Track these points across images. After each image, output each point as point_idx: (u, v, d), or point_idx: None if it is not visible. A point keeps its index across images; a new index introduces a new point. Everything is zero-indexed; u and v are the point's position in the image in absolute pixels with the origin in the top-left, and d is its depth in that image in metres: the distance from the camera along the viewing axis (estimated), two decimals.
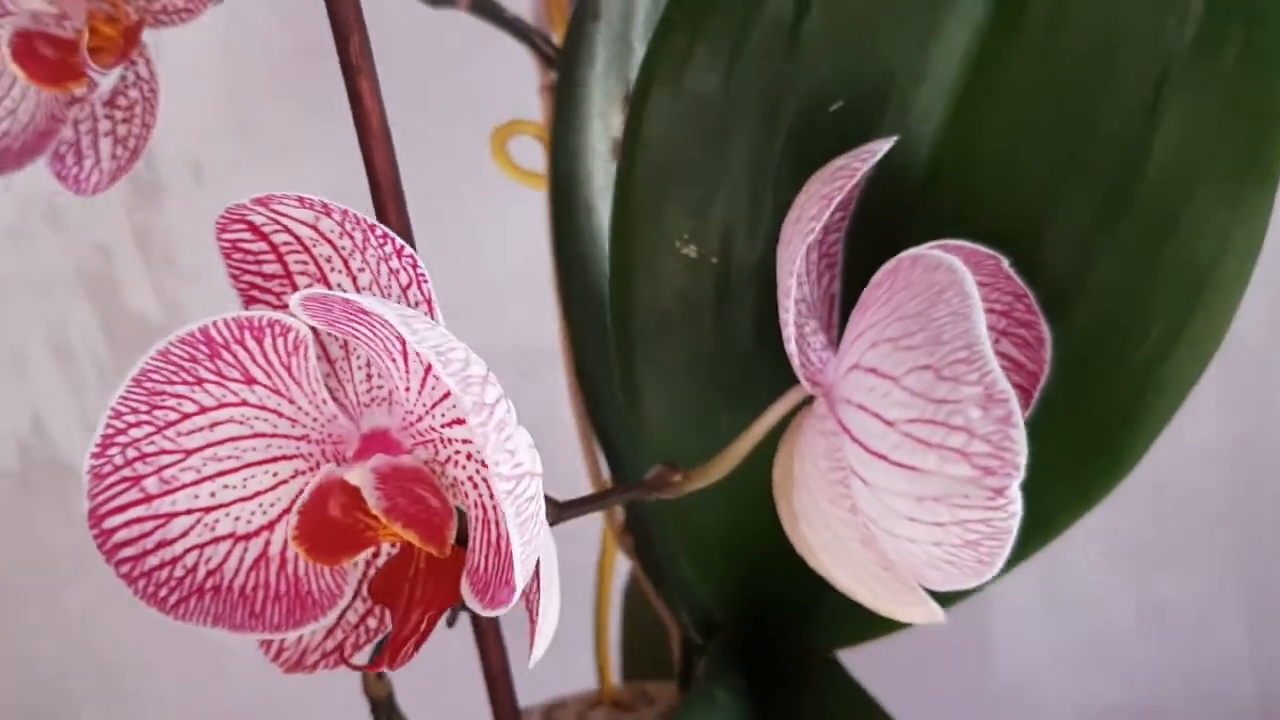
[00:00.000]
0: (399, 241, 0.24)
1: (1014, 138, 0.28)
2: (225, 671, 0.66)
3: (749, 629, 0.37)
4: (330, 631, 0.28)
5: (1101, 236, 0.28)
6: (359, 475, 0.25)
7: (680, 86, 0.29)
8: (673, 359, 0.32)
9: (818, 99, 0.29)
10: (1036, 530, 0.31)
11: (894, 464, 0.25)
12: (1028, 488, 0.31)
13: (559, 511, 0.30)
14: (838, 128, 0.29)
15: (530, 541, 0.22)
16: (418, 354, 0.22)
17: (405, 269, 0.25)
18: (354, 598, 0.28)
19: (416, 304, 0.25)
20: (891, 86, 0.28)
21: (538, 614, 0.24)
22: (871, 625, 0.35)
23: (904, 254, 0.27)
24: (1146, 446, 0.29)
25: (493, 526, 0.23)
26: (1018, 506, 0.24)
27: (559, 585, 0.25)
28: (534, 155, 0.44)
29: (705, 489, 0.30)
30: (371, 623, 0.28)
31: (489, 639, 0.32)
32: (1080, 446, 0.30)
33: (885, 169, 0.29)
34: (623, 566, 0.49)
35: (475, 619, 0.33)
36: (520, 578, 0.22)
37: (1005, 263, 0.28)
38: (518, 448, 0.22)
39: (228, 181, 0.65)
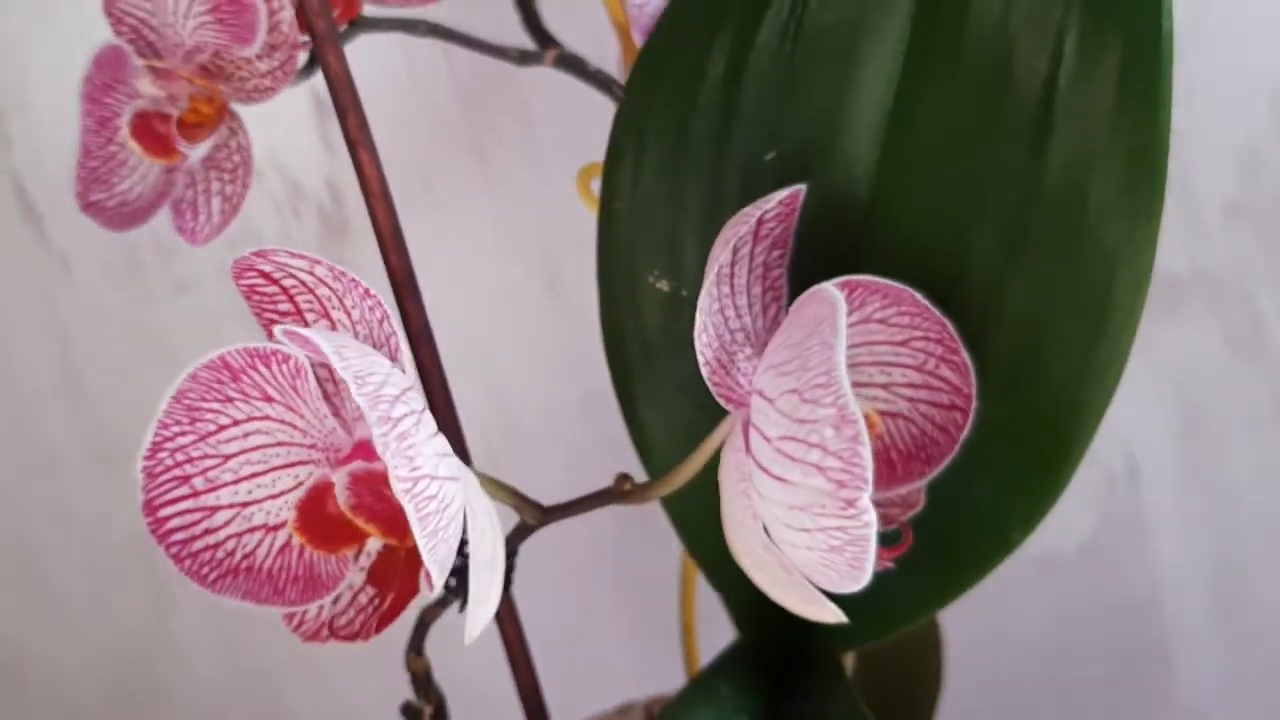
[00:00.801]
0: (366, 286, 0.30)
1: (930, 178, 0.31)
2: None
3: (760, 630, 0.40)
4: (344, 609, 0.34)
5: (1008, 268, 0.30)
6: (338, 477, 0.30)
7: (643, 139, 0.33)
8: (660, 384, 0.36)
9: (755, 151, 0.32)
10: (996, 548, 0.34)
11: (771, 476, 0.28)
12: (982, 507, 0.33)
13: (544, 515, 0.34)
14: (775, 175, 0.32)
15: (437, 534, 0.27)
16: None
17: (376, 307, 0.30)
18: (364, 583, 0.33)
19: (389, 335, 0.30)
20: (817, 138, 0.32)
21: (471, 600, 0.29)
22: (874, 628, 0.38)
23: (811, 289, 0.30)
24: (1078, 459, 0.31)
25: None
26: (870, 517, 0.27)
27: (499, 576, 0.30)
28: None
29: (696, 498, 0.34)
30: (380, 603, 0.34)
31: (508, 623, 0.37)
32: (1021, 465, 0.32)
33: (826, 211, 0.33)
34: None
35: (502, 630, 0.38)
36: (432, 565, 0.27)
37: (918, 295, 0.31)
38: (418, 455, 0.26)
39: (407, 223, 0.72)
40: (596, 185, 0.51)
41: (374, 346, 0.31)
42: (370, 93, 0.72)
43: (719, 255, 0.30)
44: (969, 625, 0.79)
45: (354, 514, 0.29)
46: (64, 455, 0.73)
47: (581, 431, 0.73)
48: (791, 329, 0.29)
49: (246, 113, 0.80)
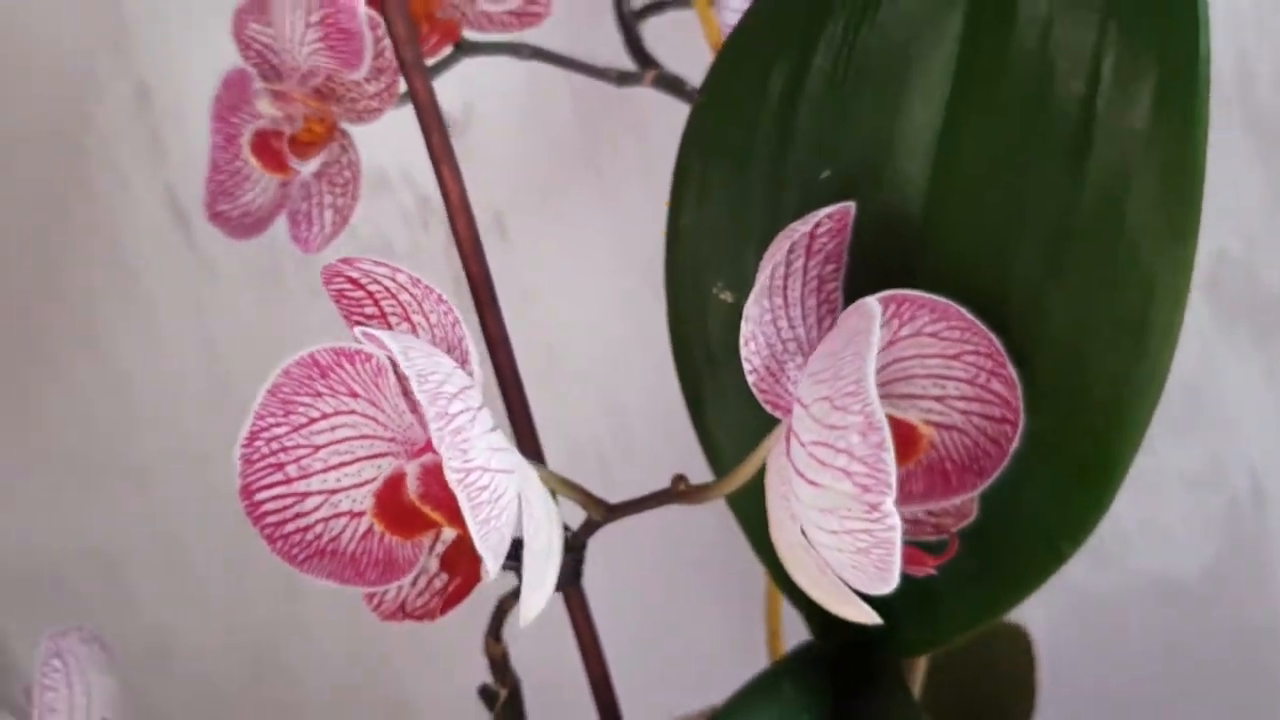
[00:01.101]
0: (439, 293, 0.32)
1: (977, 198, 0.32)
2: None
3: (825, 633, 0.41)
4: (421, 592, 0.36)
5: (1049, 285, 0.31)
6: (410, 468, 0.33)
7: (708, 159, 0.35)
8: (724, 391, 0.38)
9: (811, 172, 0.33)
10: (1046, 559, 0.34)
11: (805, 480, 0.29)
12: (1031, 519, 0.34)
13: (608, 512, 0.36)
14: (832, 192, 0.33)
15: (489, 522, 0.29)
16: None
17: (449, 312, 0.33)
18: (439, 568, 0.36)
19: (460, 340, 0.33)
20: (869, 159, 0.33)
21: (525, 587, 0.31)
22: (933, 636, 0.38)
23: (857, 302, 0.31)
24: (1121, 475, 0.32)
25: None
26: (893, 521, 0.28)
27: (555, 567, 0.32)
28: None
29: (759, 502, 0.36)
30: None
31: (579, 617, 0.39)
32: (1066, 479, 0.33)
33: (881, 229, 0.34)
34: None
35: (574, 621, 0.40)
36: (484, 551, 0.29)
37: (964, 310, 0.32)
38: (472, 448, 0.29)
39: (528, 236, 0.76)
40: None
41: (447, 349, 0.33)
42: (491, 110, 0.75)
43: (765, 268, 0.31)
44: (1081, 646, 0.79)
45: (422, 502, 0.32)
46: (209, 450, 0.78)
47: (692, 437, 0.75)
48: (833, 339, 0.31)
49: (380, 128, 0.84)
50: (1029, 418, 0.32)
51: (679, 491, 0.34)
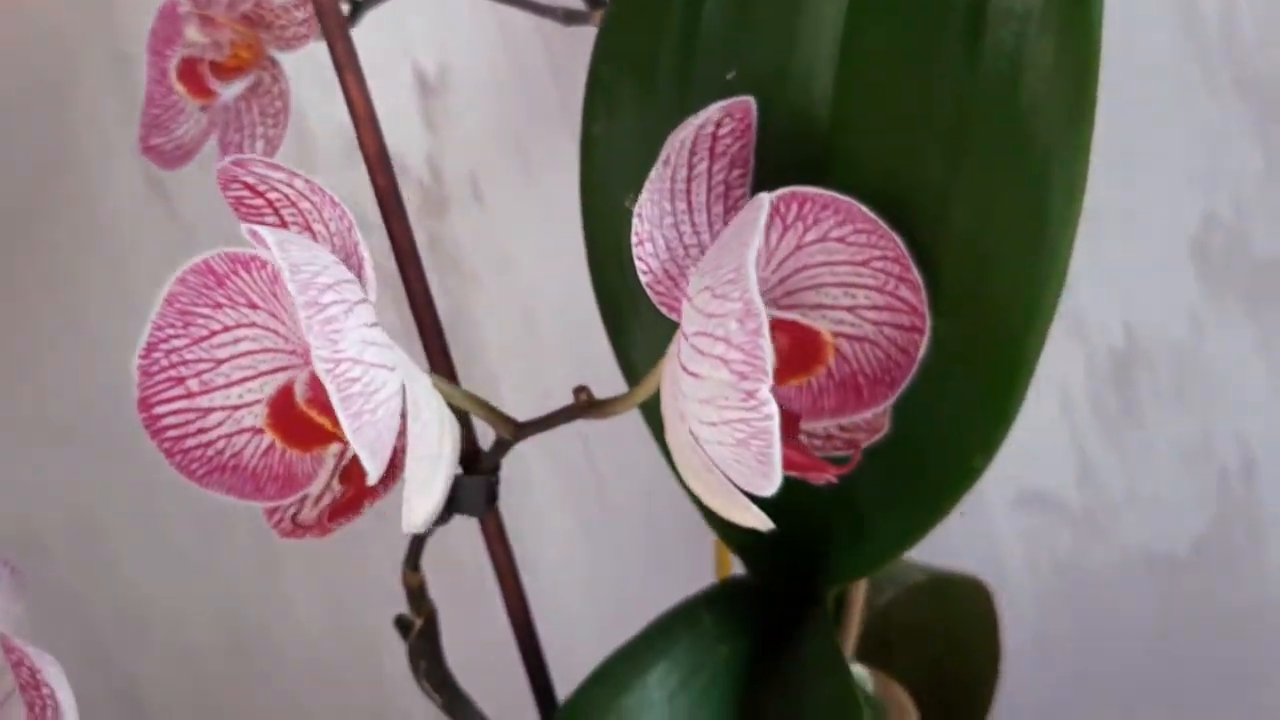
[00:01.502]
0: (335, 198, 0.32)
1: (882, 94, 0.31)
2: None
3: (753, 565, 0.40)
4: (321, 511, 0.35)
5: (952, 180, 0.30)
6: (300, 374, 0.32)
7: (620, 71, 0.34)
8: (639, 305, 0.37)
9: (716, 74, 0.33)
10: (960, 475, 0.33)
11: (688, 373, 0.28)
12: (943, 433, 0.33)
13: (517, 430, 0.35)
14: (738, 95, 0.32)
15: (360, 415, 0.28)
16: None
17: (344, 218, 0.32)
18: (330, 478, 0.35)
19: (356, 245, 0.32)
20: (772, 58, 0.32)
21: (407, 490, 0.30)
22: (856, 563, 0.37)
23: (753, 197, 0.30)
24: (1025, 380, 0.30)
25: None
26: (770, 410, 0.27)
27: (442, 474, 0.31)
28: None
29: None
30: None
31: (495, 544, 0.38)
32: (975, 387, 0.32)
33: (788, 132, 0.33)
34: None
35: (491, 551, 0.39)
36: (361, 449, 0.28)
37: (867, 210, 0.31)
38: (343, 339, 0.28)
39: (502, 197, 0.75)
40: None
41: (345, 258, 0.33)
42: (467, 73, 0.75)
43: (660, 165, 0.30)
44: (1070, 619, 0.77)
45: (309, 407, 0.31)
46: None
47: None
48: (723, 235, 0.30)
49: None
50: (936, 323, 0.31)
51: (583, 404, 0.33)
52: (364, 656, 0.80)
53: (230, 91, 0.42)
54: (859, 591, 0.42)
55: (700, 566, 0.72)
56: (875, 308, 0.33)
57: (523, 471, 0.74)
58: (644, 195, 0.30)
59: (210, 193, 0.75)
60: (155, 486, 0.80)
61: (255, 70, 0.42)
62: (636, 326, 0.37)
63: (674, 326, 0.36)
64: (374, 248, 0.78)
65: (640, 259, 0.31)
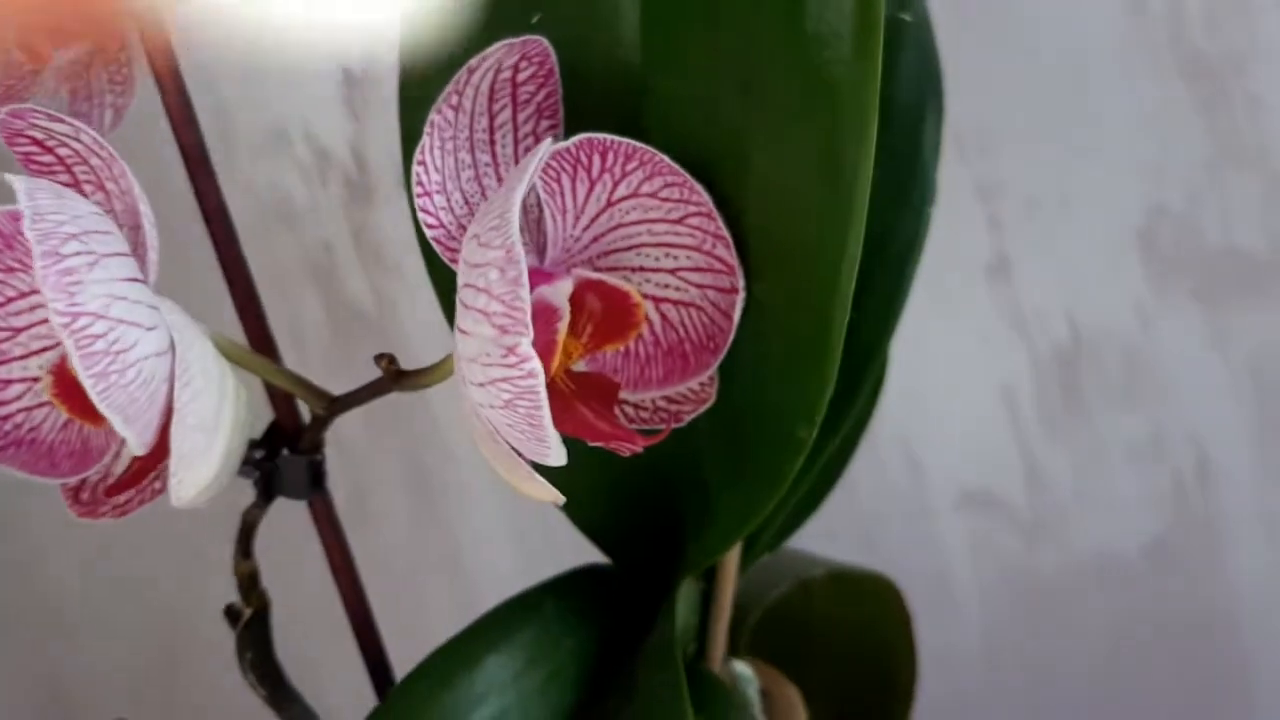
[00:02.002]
0: (119, 162, 0.30)
1: (682, 38, 0.29)
2: None
3: (605, 549, 0.38)
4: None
5: (749, 124, 0.28)
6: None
7: (422, 49, 0.32)
8: None
9: (524, 16, 0.31)
10: (785, 447, 0.31)
11: (458, 330, 0.26)
12: (766, 402, 0.31)
13: (330, 405, 0.33)
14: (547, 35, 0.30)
15: (106, 374, 0.26)
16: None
17: (125, 177, 0.30)
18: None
19: (136, 205, 0.30)
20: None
21: (172, 459, 0.28)
22: (705, 546, 0.35)
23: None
24: (838, 337, 0.28)
25: None
26: (532, 366, 0.25)
27: (217, 446, 0.29)
28: None
29: None
30: (158, 486, 0.33)
31: (326, 529, 0.36)
32: (791, 350, 0.30)
33: (599, 77, 0.31)
34: None
35: (322, 537, 0.37)
36: (108, 411, 0.26)
37: (671, 162, 0.28)
38: (83, 292, 0.26)
39: None
40: None
41: (132, 226, 0.30)
42: (393, 52, 0.73)
43: (444, 109, 0.28)
44: (1020, 625, 0.74)
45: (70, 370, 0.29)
46: None
47: None
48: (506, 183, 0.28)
49: (277, 83, 0.82)
50: (751, 283, 0.29)
51: (391, 374, 0.31)
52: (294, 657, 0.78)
53: (66, 56, 0.40)
54: (727, 581, 0.40)
55: None
56: (697, 269, 0.30)
57: (456, 473, 0.72)
58: (427, 141, 0.28)
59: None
60: None
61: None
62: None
63: None
64: (308, 239, 0.75)
65: (426, 211, 0.28)
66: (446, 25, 0.31)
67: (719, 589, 0.40)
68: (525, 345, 0.24)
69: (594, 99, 0.31)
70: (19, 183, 0.27)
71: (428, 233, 0.28)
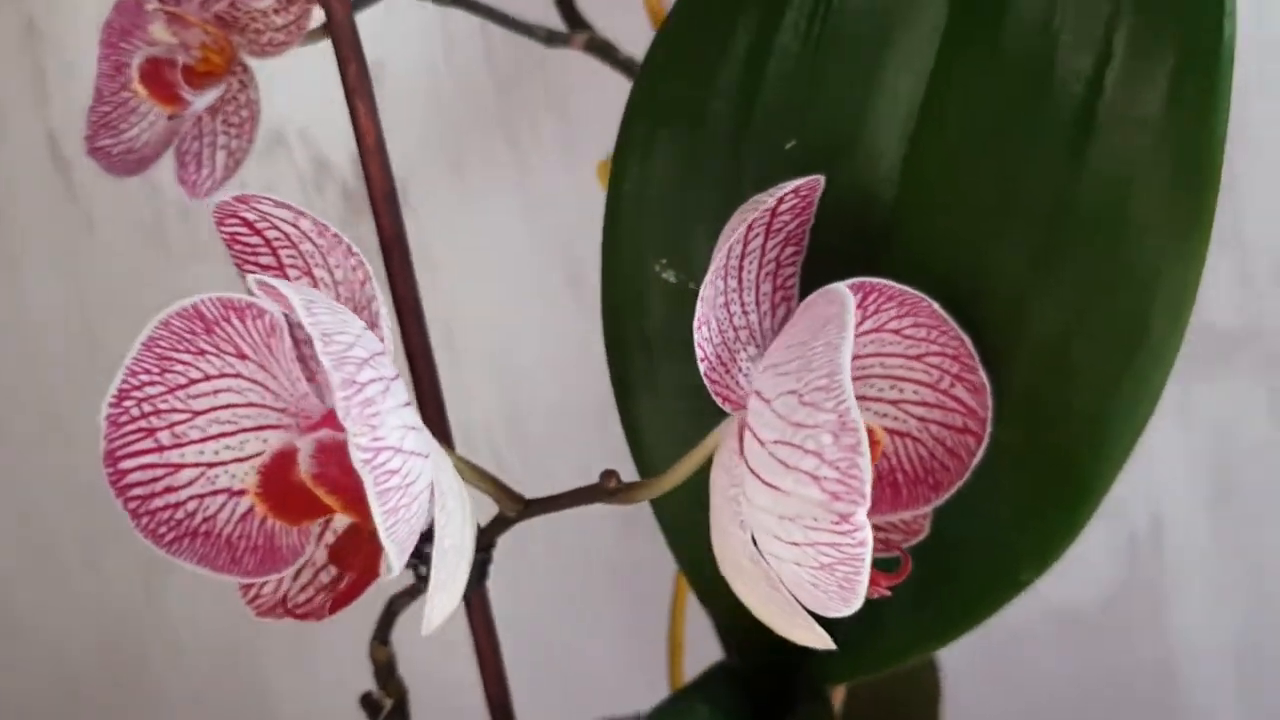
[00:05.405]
0: (349, 244, 0.28)
1: (958, 181, 0.29)
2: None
3: (748, 653, 0.38)
4: (304, 587, 0.32)
5: (1036, 283, 0.28)
6: (304, 444, 0.28)
7: (657, 122, 0.31)
8: (660, 380, 0.34)
9: (775, 140, 0.30)
10: (1003, 587, 0.31)
11: (763, 482, 0.26)
12: (991, 542, 0.31)
13: (525, 508, 0.32)
14: (795, 167, 0.30)
15: (397, 511, 0.25)
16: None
17: (359, 267, 0.28)
18: (327, 560, 0.32)
19: (371, 298, 0.29)
20: (841, 129, 0.30)
21: (431, 587, 0.27)
22: (868, 662, 0.35)
23: (822, 288, 0.28)
24: (1098, 496, 0.29)
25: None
26: (865, 535, 0.24)
27: (465, 568, 0.28)
28: None
29: (689, 504, 0.32)
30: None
31: (479, 622, 0.35)
32: (1036, 499, 0.30)
33: (847, 209, 0.30)
34: None
35: (473, 627, 0.36)
36: (389, 544, 0.25)
37: (936, 306, 0.28)
38: (383, 425, 0.25)
39: (430, 204, 0.71)
40: None
41: (354, 310, 0.29)
42: (403, 69, 0.70)
43: (725, 244, 0.28)
44: (977, 670, 0.77)
45: (316, 485, 0.28)
46: (69, 413, 0.72)
47: (592, 435, 0.71)
48: (796, 328, 0.27)
49: (276, 85, 0.78)
50: (999, 428, 0.29)
51: (609, 490, 0.30)
52: (246, 679, 0.75)
53: (202, 101, 0.37)
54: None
55: (619, 604, 0.70)
56: (924, 404, 0.31)
57: None
58: (708, 275, 0.28)
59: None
60: (30, 484, 0.73)
61: (227, 77, 0.38)
62: (652, 403, 0.34)
63: (699, 405, 0.33)
64: None
65: (699, 345, 0.28)
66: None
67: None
68: (860, 515, 0.24)
69: (833, 224, 0.30)
70: (294, 294, 0.26)
71: (700, 366, 0.28)
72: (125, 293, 0.71)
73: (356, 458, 0.24)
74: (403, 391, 0.26)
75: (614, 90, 0.69)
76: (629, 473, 0.36)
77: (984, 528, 0.31)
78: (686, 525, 0.36)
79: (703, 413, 0.34)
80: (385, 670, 0.35)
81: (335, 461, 0.28)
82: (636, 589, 0.67)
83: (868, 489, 0.24)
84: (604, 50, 0.46)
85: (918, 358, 0.30)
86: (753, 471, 0.26)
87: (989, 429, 0.29)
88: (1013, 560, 0.30)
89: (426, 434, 0.27)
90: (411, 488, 0.25)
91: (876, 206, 0.30)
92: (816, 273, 0.31)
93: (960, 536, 0.31)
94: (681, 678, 0.50)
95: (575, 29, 0.47)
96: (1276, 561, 0.74)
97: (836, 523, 0.24)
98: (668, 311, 0.33)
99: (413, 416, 0.26)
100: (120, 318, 0.71)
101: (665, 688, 0.50)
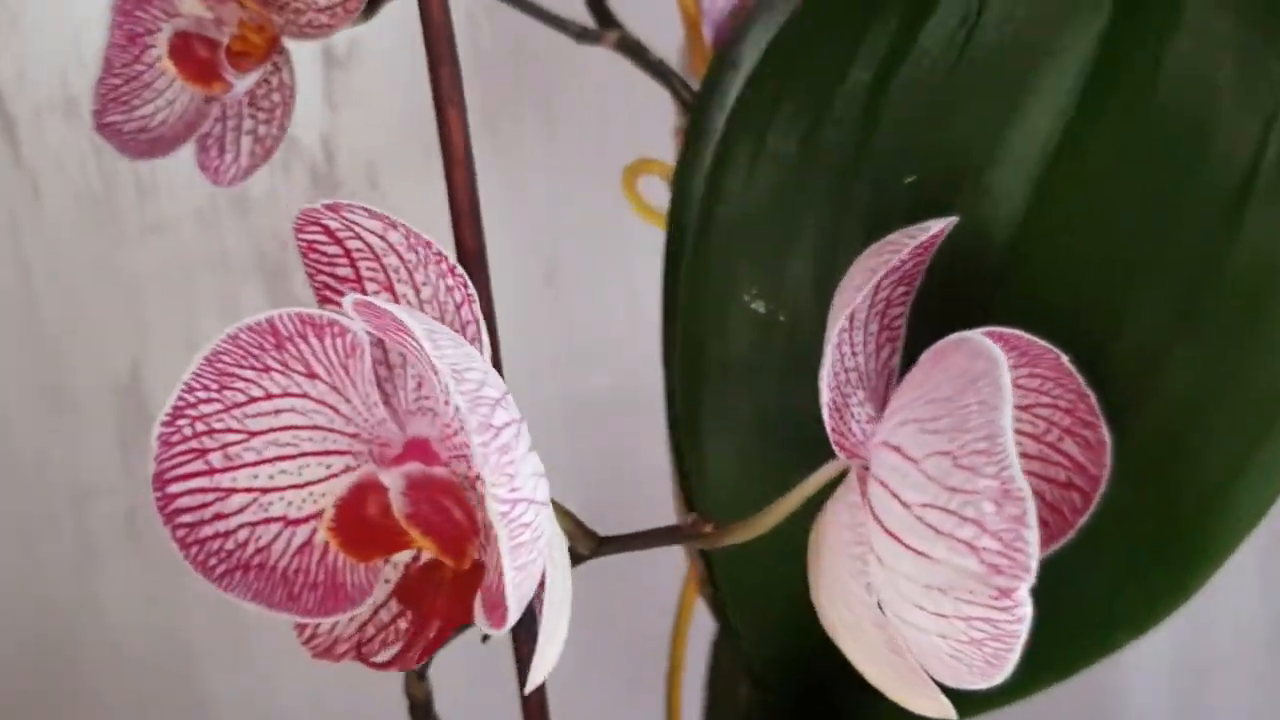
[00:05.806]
0: (451, 261, 0.26)
1: (1093, 230, 0.28)
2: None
3: (794, 690, 0.36)
4: (362, 626, 0.29)
5: (1175, 343, 0.27)
6: (392, 478, 0.26)
7: (762, 143, 0.30)
8: (736, 412, 0.32)
9: (892, 171, 0.29)
10: (1097, 640, 0.30)
11: (906, 547, 0.24)
12: (1087, 601, 0.30)
13: (598, 545, 0.30)
14: (911, 202, 0.28)
15: (526, 567, 0.23)
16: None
17: (458, 288, 0.26)
18: (387, 598, 0.29)
19: (467, 322, 0.26)
20: (967, 166, 0.28)
21: (540, 640, 0.25)
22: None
23: (952, 336, 0.26)
24: (1214, 566, 0.28)
25: (494, 547, 0.24)
26: (1026, 610, 0.23)
27: (567, 617, 0.26)
28: (664, 196, 0.45)
29: (750, 546, 0.30)
30: (402, 624, 0.29)
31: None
32: (1145, 559, 0.29)
33: (962, 248, 0.29)
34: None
35: (518, 655, 0.34)
36: (513, 601, 0.23)
37: (1064, 359, 0.27)
38: (519, 474, 0.22)
39: (399, 187, 0.68)
40: (642, 184, 0.47)
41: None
42: (380, 50, 0.67)
43: (854, 283, 0.26)
44: None
45: (409, 523, 0.25)
46: (8, 389, 0.68)
47: (559, 440, 0.69)
48: (933, 381, 0.26)
49: None
50: (1112, 487, 0.28)
51: (701, 533, 0.29)
52: (184, 681, 0.71)
53: (243, 84, 0.34)
54: None
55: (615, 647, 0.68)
56: (1024, 455, 0.29)
57: None
58: (837, 313, 0.26)
59: (64, 140, 0.65)
60: None
61: (267, 59, 0.35)
62: (723, 438, 0.32)
63: (774, 443, 0.32)
64: (259, 228, 0.69)
65: (823, 390, 0.26)
66: None
67: None
68: (1024, 590, 0.23)
69: (949, 267, 0.29)
70: (415, 323, 0.23)
71: (824, 410, 0.26)
72: (72, 264, 0.67)
73: (494, 509, 0.22)
74: (528, 435, 0.24)
75: (599, 87, 0.67)
76: (604, 480, 0.34)
77: (1081, 586, 0.30)
78: (742, 567, 0.35)
79: (779, 446, 0.33)
80: (423, 710, 0.33)
81: (428, 499, 0.26)
82: (633, 623, 0.65)
83: (1034, 563, 0.23)
84: (635, 50, 0.44)
85: (1024, 408, 0.29)
86: (890, 533, 0.25)
87: (1102, 487, 0.28)
88: (1108, 623, 0.29)
89: (546, 480, 0.25)
90: (539, 541, 0.23)
91: (992, 248, 0.29)
92: (923, 313, 0.29)
93: (1052, 593, 0.30)
94: (679, 711, 0.48)
95: (606, 27, 0.45)
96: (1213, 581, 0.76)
97: (996, 597, 0.23)
98: (752, 340, 0.31)
99: (538, 463, 0.24)
100: (66, 290, 0.67)
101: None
